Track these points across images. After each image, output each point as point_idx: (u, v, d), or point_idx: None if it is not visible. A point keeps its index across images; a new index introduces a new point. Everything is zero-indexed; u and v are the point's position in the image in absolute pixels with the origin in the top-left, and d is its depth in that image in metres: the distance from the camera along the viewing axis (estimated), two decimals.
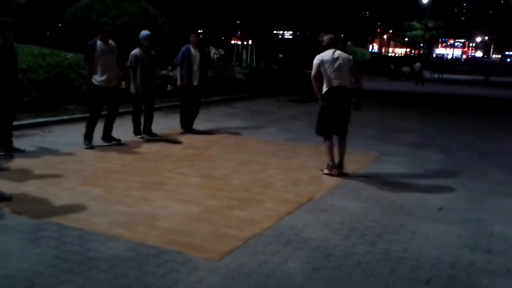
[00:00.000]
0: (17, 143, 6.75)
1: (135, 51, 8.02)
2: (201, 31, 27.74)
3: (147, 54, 8.04)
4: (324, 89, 6.34)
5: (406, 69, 36.45)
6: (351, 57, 6.57)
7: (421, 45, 56.10)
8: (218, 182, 5.80)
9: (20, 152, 6.56)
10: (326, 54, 6.32)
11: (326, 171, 6.48)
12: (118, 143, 7.45)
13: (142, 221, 4.36)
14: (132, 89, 8.08)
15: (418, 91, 24.75)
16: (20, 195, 4.85)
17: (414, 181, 6.45)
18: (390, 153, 8.13)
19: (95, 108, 7.28)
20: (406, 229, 4.60)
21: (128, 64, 7.97)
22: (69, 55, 10.93)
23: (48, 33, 18.91)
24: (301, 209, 4.99)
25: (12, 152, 6.48)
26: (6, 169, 5.75)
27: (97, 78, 7.10)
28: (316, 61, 6.32)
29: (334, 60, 6.26)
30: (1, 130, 6.34)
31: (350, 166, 6.98)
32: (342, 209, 5.07)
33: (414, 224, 4.76)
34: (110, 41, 7.18)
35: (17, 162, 6.11)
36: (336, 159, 6.45)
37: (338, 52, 6.35)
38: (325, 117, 6.44)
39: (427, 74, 36.00)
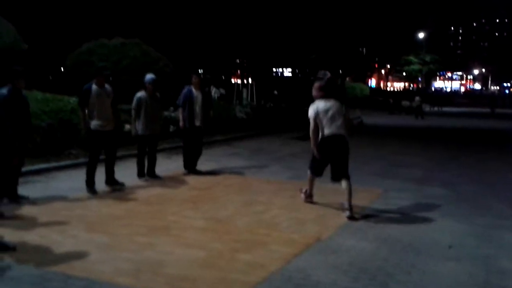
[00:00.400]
0: (21, 189, 6.73)
1: (140, 93, 8.08)
2: (202, 70, 28.15)
3: (152, 97, 8.10)
4: (324, 133, 6.38)
5: (405, 103, 36.75)
6: (342, 104, 6.63)
7: (419, 79, 56.76)
8: (222, 224, 5.75)
9: (25, 199, 6.53)
10: (319, 104, 6.38)
11: (303, 196, 6.85)
12: (122, 187, 7.42)
13: (148, 268, 4.29)
14: (133, 131, 8.11)
15: (418, 125, 24.86)
16: (24, 243, 4.79)
17: (420, 217, 6.38)
18: (394, 189, 8.08)
19: (93, 153, 7.26)
20: (417, 268, 4.52)
21: (132, 106, 8.03)
22: (72, 99, 11.04)
23: (50, 78, 19.24)
24: (309, 250, 4.92)
25: (17, 199, 6.44)
26: (9, 218, 5.71)
27: (92, 123, 7.13)
28: (311, 112, 6.36)
29: (327, 110, 6.33)
30: (6, 178, 6.32)
31: (355, 203, 6.92)
32: (350, 249, 4.99)
33: (424, 262, 4.68)
34: (106, 85, 7.24)
35: (21, 210, 6.06)
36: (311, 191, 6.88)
37: (331, 101, 6.40)
38: (318, 161, 6.60)
39: (426, 108, 36.28)
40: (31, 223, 5.52)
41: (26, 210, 6.07)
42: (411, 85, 62.56)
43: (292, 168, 9.96)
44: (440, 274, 4.39)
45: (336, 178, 6.49)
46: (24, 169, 8.05)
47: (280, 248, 4.94)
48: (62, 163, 9.16)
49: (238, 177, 8.82)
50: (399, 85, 68.53)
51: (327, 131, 6.32)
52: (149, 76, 8.19)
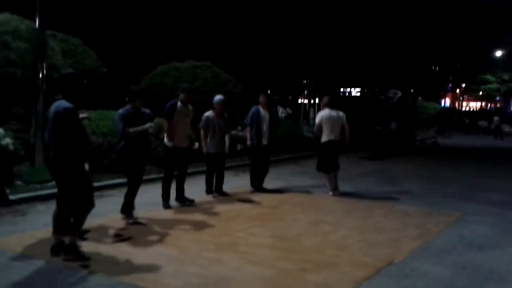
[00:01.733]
0: (98, 203, 6.92)
1: (208, 113, 8.26)
2: (269, 91, 28.41)
3: (219, 117, 8.24)
4: (323, 139, 8.71)
5: (483, 123, 34.93)
6: (343, 114, 8.83)
7: (497, 98, 53.79)
8: (290, 243, 5.64)
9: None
10: (324, 113, 8.76)
11: (331, 193, 8.72)
12: (192, 203, 7.54)
13: (216, 284, 4.28)
14: (204, 149, 8.25)
15: (497, 146, 23.46)
16: (98, 254, 4.96)
17: (503, 243, 5.93)
18: (473, 213, 7.59)
19: (169, 169, 7.46)
20: None
21: (200, 125, 8.20)
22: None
23: (127, 99, 20.19)
24: (381, 273, 4.69)
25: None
26: (86, 231, 5.95)
27: (171, 139, 7.30)
28: (318, 119, 8.85)
29: (329, 118, 8.69)
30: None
31: (432, 227, 6.60)
32: (425, 274, 4.71)
33: None
34: (189, 105, 7.45)
35: (96, 222, 6.29)
36: (332, 184, 8.80)
37: (334, 112, 8.77)
38: (322, 160, 8.86)
39: (506, 128, 34.24)
40: (104, 235, 5.71)
41: (100, 222, 6.29)
42: (489, 104, 59.41)
43: (361, 188, 9.68)
44: None
45: (335, 169, 8.86)
46: (100, 184, 8.48)
47: (350, 270, 4.75)
48: None
49: (306, 196, 8.70)
50: (475, 105, 65.32)
51: (328, 136, 8.68)
52: (217, 97, 8.36)
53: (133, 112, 6.38)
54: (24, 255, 4.90)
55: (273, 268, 4.72)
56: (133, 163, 6.37)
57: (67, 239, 4.84)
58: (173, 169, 7.49)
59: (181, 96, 7.36)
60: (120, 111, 6.48)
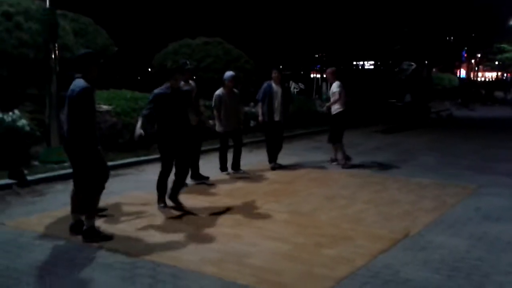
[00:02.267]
0: (113, 182, 7.06)
1: (219, 91, 8.19)
2: (281, 66, 28.14)
3: (231, 93, 8.20)
4: (341, 108, 9.00)
5: (499, 94, 34.33)
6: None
7: None
8: (305, 218, 5.67)
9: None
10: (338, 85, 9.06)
11: (345, 162, 9.03)
12: (206, 180, 7.57)
13: (233, 258, 4.33)
14: (217, 128, 8.25)
15: None
16: (116, 233, 5.03)
17: None
18: (490, 185, 7.53)
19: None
20: None
21: (212, 104, 8.16)
22: None
23: (139, 78, 20.19)
24: (396, 246, 4.71)
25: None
26: (103, 209, 6.04)
27: None
28: (340, 89, 8.99)
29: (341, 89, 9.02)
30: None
31: (447, 199, 6.58)
32: (441, 246, 4.71)
33: None
34: (190, 82, 7.36)
35: (113, 201, 6.37)
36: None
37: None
38: (342, 130, 9.18)
39: None
40: (122, 213, 5.79)
41: (117, 201, 6.37)
42: (505, 74, 58.27)
43: (375, 162, 9.64)
44: None
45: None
46: (115, 163, 8.55)
47: (366, 243, 4.77)
48: (151, 156, 9.55)
49: (321, 171, 8.69)
50: (491, 75, 64.10)
51: (344, 107, 9.00)
52: (228, 73, 8.27)
53: (170, 92, 6.05)
54: (45, 235, 5.00)
55: (289, 243, 4.76)
56: (168, 146, 6.14)
57: (85, 223, 4.90)
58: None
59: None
60: (155, 90, 6.19)
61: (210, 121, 7.96)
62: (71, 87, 4.84)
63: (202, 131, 7.87)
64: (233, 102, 8.24)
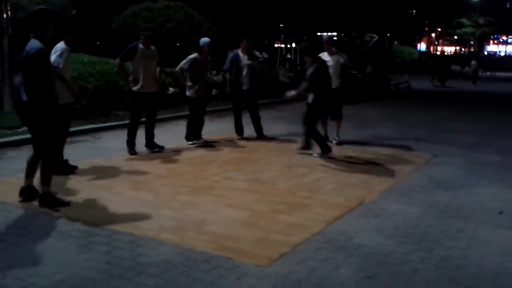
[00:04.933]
0: (69, 149, 6.91)
1: (194, 55, 7.97)
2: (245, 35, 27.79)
3: (205, 60, 8.02)
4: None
5: (455, 67, 35.19)
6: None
7: (472, 42, 54.08)
8: (265, 186, 5.73)
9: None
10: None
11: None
12: (161, 149, 7.44)
13: (191, 226, 4.35)
14: (188, 93, 8.07)
15: (470, 90, 23.81)
16: (72, 201, 4.94)
17: (470, 183, 6.14)
18: (443, 155, 7.81)
19: (134, 115, 7.28)
20: (465, 234, 4.37)
21: (184, 67, 7.94)
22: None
23: (98, 43, 19.52)
24: (351, 213, 4.84)
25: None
26: (75, 166, 5.90)
27: (136, 84, 7.09)
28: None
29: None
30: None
31: (402, 168, 6.76)
32: (395, 213, 4.88)
33: (473, 228, 4.51)
34: (152, 47, 7.20)
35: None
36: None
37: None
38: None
39: (478, 73, 34.61)
40: (78, 182, 5.68)
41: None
42: (462, 49, 59.78)
43: (334, 132, 9.77)
44: (489, 240, 4.22)
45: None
46: (71, 129, 8.29)
47: (322, 210, 4.88)
48: (109, 123, 9.37)
49: (281, 141, 8.75)
50: (449, 49, 65.62)
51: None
52: (205, 39, 8.05)
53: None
54: None
55: (248, 210, 4.81)
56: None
57: (41, 189, 4.78)
58: (138, 116, 7.28)
59: (142, 38, 7.06)
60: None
61: (170, 88, 7.80)
62: (26, 48, 4.63)
63: (162, 98, 7.72)
64: (206, 69, 8.09)
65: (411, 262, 3.74)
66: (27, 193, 4.87)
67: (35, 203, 4.78)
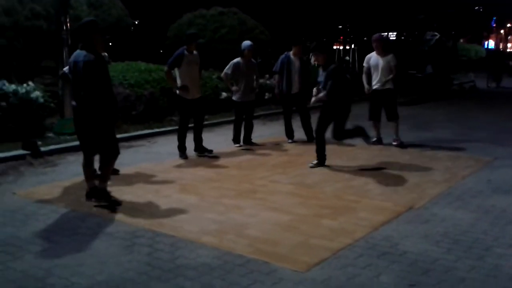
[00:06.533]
0: (125, 153, 7.12)
1: (237, 60, 8.07)
2: (303, 38, 27.62)
3: (248, 63, 8.08)
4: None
5: None
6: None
7: None
8: (310, 190, 5.64)
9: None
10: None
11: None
12: (210, 153, 7.50)
13: (231, 229, 4.35)
14: (234, 97, 8.18)
15: None
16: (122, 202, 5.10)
17: None
18: (505, 157, 7.35)
19: (182, 120, 7.40)
20: None
21: (229, 72, 8.04)
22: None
23: (161, 51, 20.16)
24: (399, 219, 4.65)
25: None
26: (116, 170, 6.13)
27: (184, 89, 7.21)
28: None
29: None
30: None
31: (459, 172, 6.44)
32: (446, 219, 4.64)
33: None
34: (194, 52, 7.28)
35: (123, 172, 6.44)
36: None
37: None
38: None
39: None
40: (129, 184, 5.87)
41: (126, 171, 6.44)
42: None
43: (391, 134, 9.47)
44: None
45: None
46: (128, 134, 8.66)
47: (368, 215, 4.73)
48: (163, 129, 9.61)
49: (332, 143, 8.56)
50: None
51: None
52: (246, 43, 8.13)
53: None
54: (52, 204, 5.10)
55: (290, 214, 4.75)
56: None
57: (98, 185, 5.02)
58: (186, 121, 7.39)
59: (189, 44, 7.18)
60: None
61: (223, 93, 7.87)
62: (72, 58, 4.84)
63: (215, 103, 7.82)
64: (251, 73, 8.14)
65: (458, 271, 3.53)
66: (92, 195, 5.09)
67: (86, 205, 4.98)
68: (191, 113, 7.38)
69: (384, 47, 8.08)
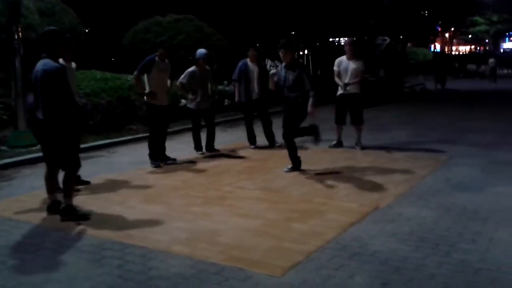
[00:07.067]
0: (85, 164, 6.83)
1: (192, 69, 8.05)
2: (257, 44, 27.80)
3: (203, 71, 8.07)
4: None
5: (471, 66, 34.81)
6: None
7: (486, 41, 53.36)
8: (277, 194, 5.68)
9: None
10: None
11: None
12: (174, 162, 7.43)
13: (203, 237, 4.31)
14: (189, 105, 8.14)
15: (491, 89, 23.43)
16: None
17: (488, 183, 6.00)
18: (460, 155, 7.66)
19: (154, 127, 7.28)
20: (483, 236, 4.25)
21: (184, 81, 8.01)
22: (130, 77, 11.25)
23: (113, 60, 19.77)
24: (366, 219, 4.75)
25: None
26: (76, 190, 5.92)
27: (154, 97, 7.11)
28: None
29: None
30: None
31: (418, 171, 6.65)
32: (410, 218, 4.77)
33: (492, 230, 4.39)
34: (166, 60, 7.22)
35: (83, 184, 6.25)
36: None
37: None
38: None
39: (505, 70, 34.13)
40: (92, 196, 5.71)
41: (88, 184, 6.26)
42: (478, 48, 59.01)
43: (348, 137, 9.65)
44: (509, 242, 4.10)
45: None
46: (86, 145, 8.40)
47: (336, 217, 4.80)
48: (123, 138, 9.43)
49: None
50: (464, 49, 64.83)
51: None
52: (201, 51, 8.11)
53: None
54: (12, 219, 4.89)
55: (260, 219, 4.76)
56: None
57: (63, 202, 4.85)
58: (158, 128, 7.32)
59: (159, 50, 7.08)
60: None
61: (182, 100, 7.83)
62: (37, 67, 4.68)
63: (175, 110, 7.76)
64: (206, 80, 8.12)
65: (427, 267, 3.64)
66: (53, 209, 4.91)
67: (48, 219, 4.80)
68: (160, 119, 7.26)
69: (355, 52, 8.24)
